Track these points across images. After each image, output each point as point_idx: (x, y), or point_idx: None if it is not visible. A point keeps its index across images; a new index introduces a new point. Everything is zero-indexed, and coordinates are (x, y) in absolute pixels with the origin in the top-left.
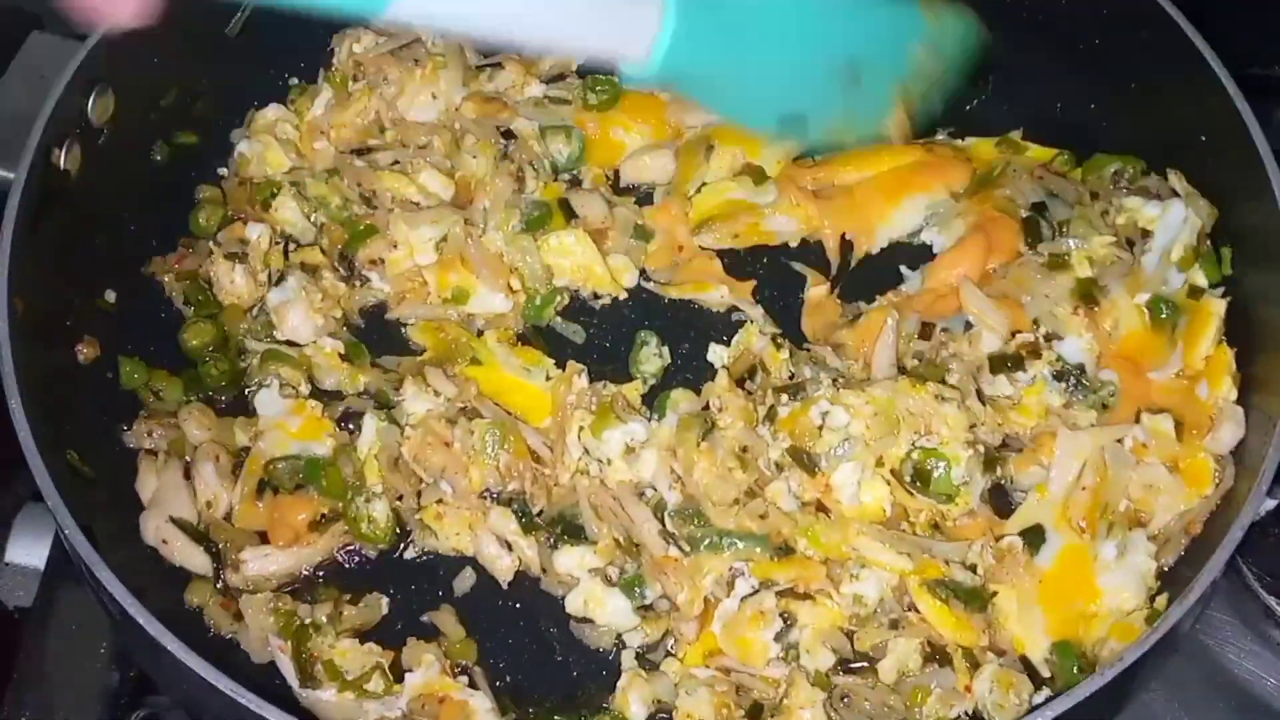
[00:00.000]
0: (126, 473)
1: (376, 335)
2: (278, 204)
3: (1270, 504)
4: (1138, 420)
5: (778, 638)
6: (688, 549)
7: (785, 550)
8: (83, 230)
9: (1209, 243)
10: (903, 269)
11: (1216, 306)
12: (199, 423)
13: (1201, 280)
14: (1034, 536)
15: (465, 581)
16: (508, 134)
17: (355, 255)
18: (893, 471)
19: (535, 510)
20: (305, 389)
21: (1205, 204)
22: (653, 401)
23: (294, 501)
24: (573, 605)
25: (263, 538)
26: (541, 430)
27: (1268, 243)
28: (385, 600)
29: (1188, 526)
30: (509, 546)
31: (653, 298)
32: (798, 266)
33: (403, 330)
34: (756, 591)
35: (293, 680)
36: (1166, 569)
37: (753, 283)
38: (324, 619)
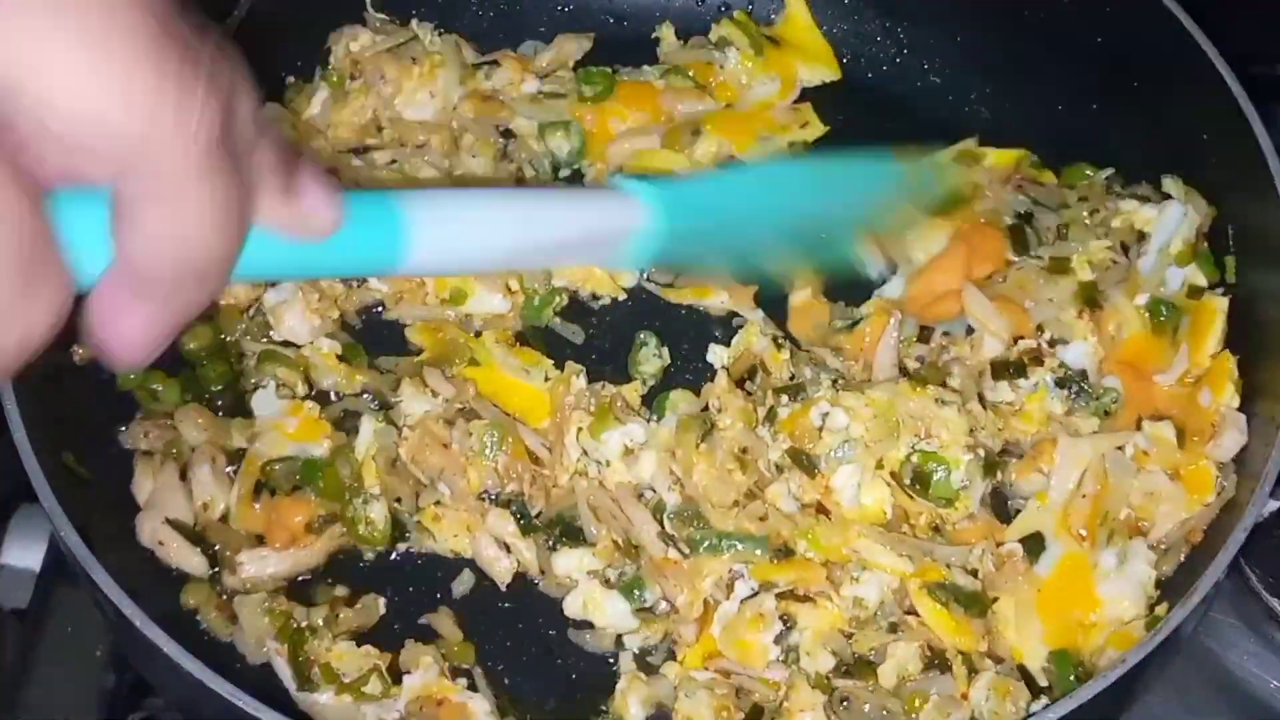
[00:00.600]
0: (122, 474)
1: (374, 336)
2: None
3: (1274, 505)
4: (1139, 427)
5: (777, 640)
6: (687, 551)
7: (785, 552)
8: None
9: (1206, 243)
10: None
11: (1219, 304)
12: (195, 424)
13: (1201, 280)
14: (1034, 544)
15: (463, 584)
16: (507, 133)
17: None
18: (892, 474)
19: (534, 512)
20: (302, 390)
21: (1202, 202)
22: (652, 402)
23: (291, 503)
24: (571, 608)
25: (260, 540)
26: (540, 431)
27: (1271, 243)
28: (382, 602)
29: (1189, 535)
30: (507, 548)
31: (652, 298)
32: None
33: (401, 330)
34: (756, 594)
35: (290, 683)
36: (1165, 578)
37: (754, 288)
38: (320, 621)
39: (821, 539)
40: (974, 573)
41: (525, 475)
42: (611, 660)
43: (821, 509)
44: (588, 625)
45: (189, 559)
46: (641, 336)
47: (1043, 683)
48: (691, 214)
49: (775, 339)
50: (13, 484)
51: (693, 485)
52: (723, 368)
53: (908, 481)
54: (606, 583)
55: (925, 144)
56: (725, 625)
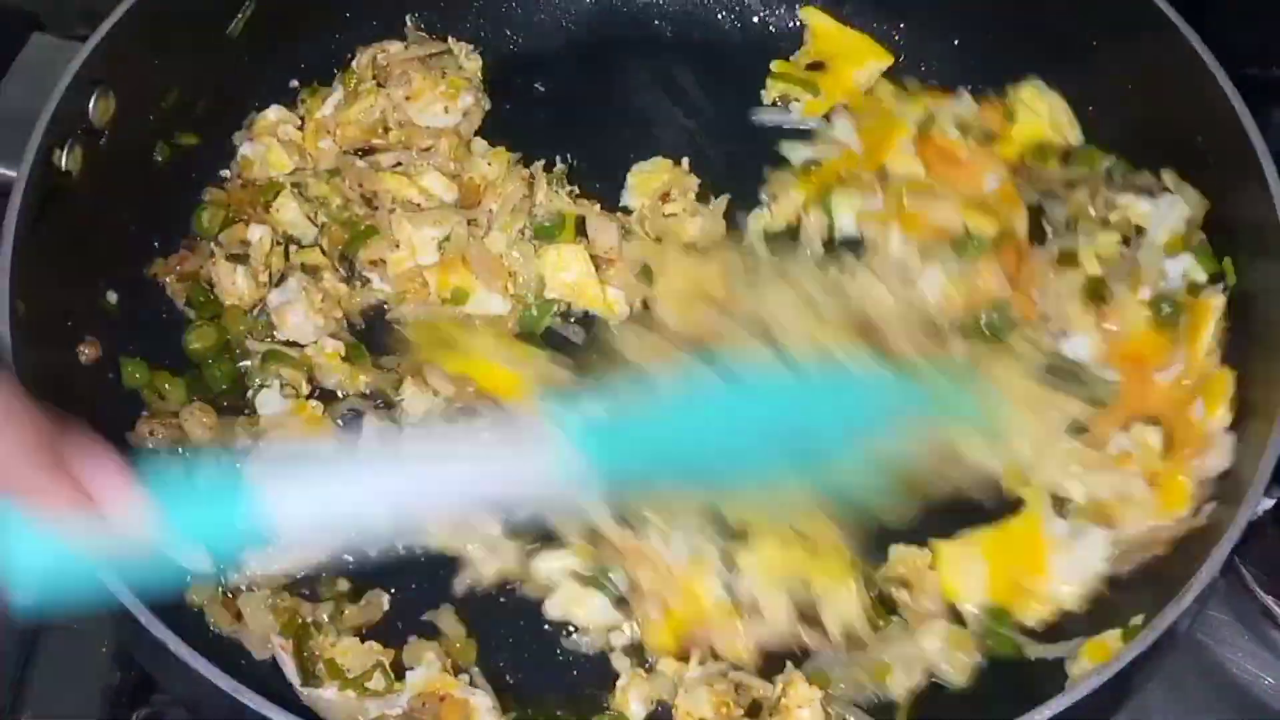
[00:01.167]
0: None
1: (377, 336)
2: (279, 204)
3: (1268, 503)
4: (1127, 428)
5: (723, 582)
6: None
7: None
8: (84, 231)
9: (1203, 235)
10: None
11: (1215, 302)
12: (201, 423)
13: (1200, 276)
14: None
15: (466, 581)
16: None
17: (356, 256)
18: None
19: (519, 516)
20: (306, 389)
21: (1195, 194)
22: None
23: None
24: (553, 611)
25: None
26: None
27: (1267, 244)
28: (386, 598)
29: (1150, 545)
30: (493, 550)
31: None
32: None
33: (403, 330)
34: (695, 545)
35: (294, 678)
36: (1120, 578)
37: None
38: (326, 617)
39: None
40: None
41: None
42: (611, 658)
43: None
44: (573, 629)
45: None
46: None
47: (971, 628)
48: (628, 446)
49: None
50: None
51: None
52: None
53: None
54: (583, 581)
55: None
56: (674, 577)
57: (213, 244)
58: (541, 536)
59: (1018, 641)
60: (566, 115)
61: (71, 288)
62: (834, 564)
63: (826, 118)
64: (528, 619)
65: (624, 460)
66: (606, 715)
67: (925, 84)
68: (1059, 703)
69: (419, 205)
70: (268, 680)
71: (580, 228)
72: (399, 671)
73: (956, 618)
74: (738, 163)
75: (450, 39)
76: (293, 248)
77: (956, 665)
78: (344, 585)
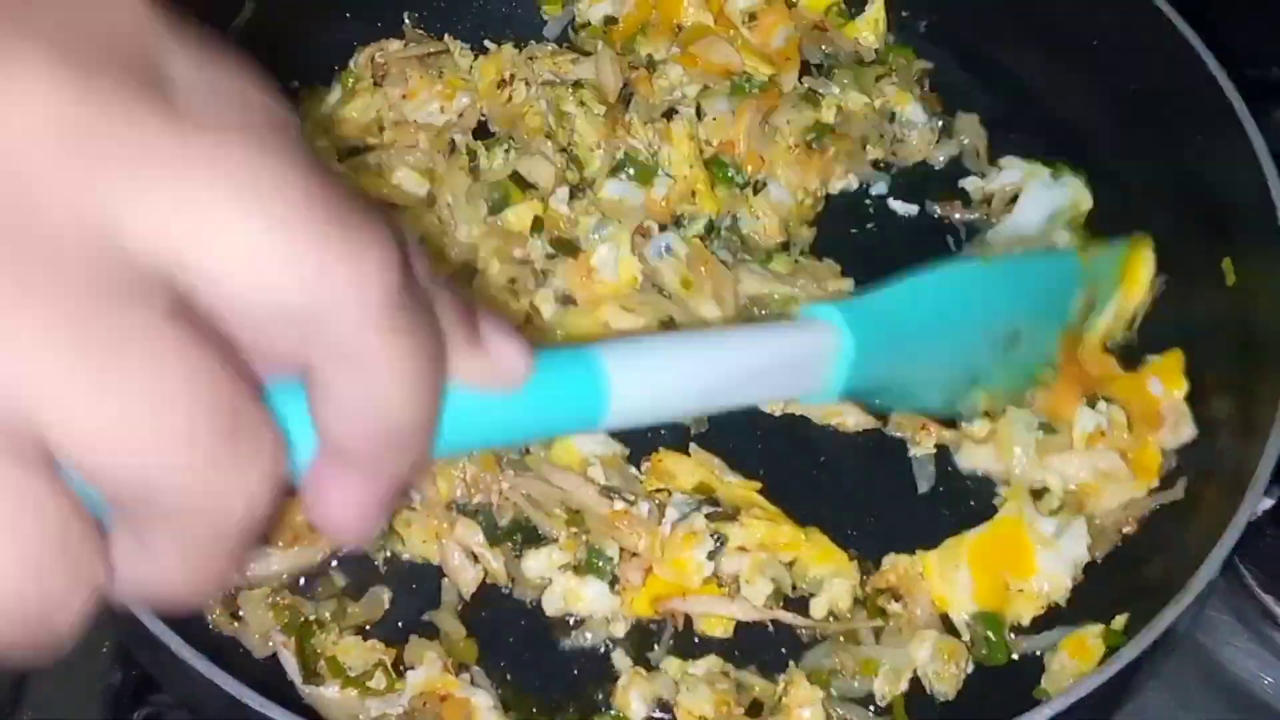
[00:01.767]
0: None
1: None
2: None
3: (1268, 503)
4: (1093, 405)
5: (711, 556)
6: (631, 498)
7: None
8: None
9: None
10: None
11: (1146, 253)
12: None
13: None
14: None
15: (452, 591)
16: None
17: None
18: None
19: (502, 522)
20: None
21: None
22: None
23: (294, 502)
24: (551, 607)
25: (264, 538)
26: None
27: (1265, 246)
28: (387, 595)
29: (1123, 521)
30: (474, 558)
31: None
32: None
33: None
34: (687, 516)
35: (295, 677)
36: (1097, 561)
37: None
38: (328, 615)
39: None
40: None
41: (494, 486)
42: (613, 656)
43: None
44: (573, 625)
45: None
46: None
47: (964, 637)
48: (885, 327)
49: None
50: None
51: None
52: None
53: None
54: (576, 570)
55: None
56: (662, 547)
57: None
58: (526, 538)
59: (1011, 648)
60: None
61: None
62: (828, 552)
63: None
64: (528, 618)
65: (880, 333)
66: (608, 714)
67: None
68: (1058, 702)
69: (394, 204)
70: (268, 680)
71: (520, 182)
72: (400, 671)
73: (949, 628)
74: None
75: (448, 38)
76: None
77: (946, 677)
78: (343, 582)
